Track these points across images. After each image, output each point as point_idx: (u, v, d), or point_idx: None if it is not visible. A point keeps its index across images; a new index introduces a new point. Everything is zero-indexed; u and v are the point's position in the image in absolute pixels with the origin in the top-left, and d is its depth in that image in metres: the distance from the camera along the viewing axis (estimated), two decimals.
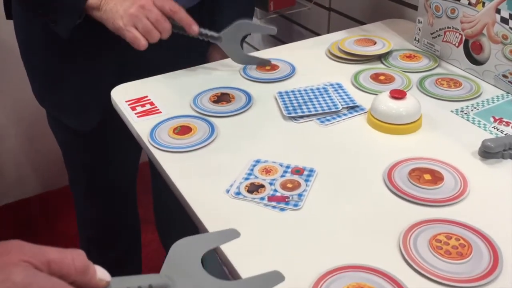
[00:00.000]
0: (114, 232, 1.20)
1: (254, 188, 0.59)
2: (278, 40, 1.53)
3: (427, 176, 0.60)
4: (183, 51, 0.95)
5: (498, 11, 0.75)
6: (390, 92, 0.70)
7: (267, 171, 0.62)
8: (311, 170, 0.62)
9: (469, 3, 0.79)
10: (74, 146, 1.05)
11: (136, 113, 0.75)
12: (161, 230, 1.35)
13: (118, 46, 0.82)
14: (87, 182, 1.10)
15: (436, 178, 0.60)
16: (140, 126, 0.72)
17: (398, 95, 0.69)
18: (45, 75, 0.94)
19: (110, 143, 1.01)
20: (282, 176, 0.61)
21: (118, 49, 0.83)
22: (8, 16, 0.97)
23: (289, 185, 0.59)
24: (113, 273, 0.39)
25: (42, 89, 0.97)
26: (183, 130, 0.70)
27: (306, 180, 0.60)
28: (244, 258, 0.51)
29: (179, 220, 1.12)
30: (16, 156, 1.81)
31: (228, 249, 0.52)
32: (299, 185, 0.59)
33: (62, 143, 1.08)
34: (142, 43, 0.76)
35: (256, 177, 0.61)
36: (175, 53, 0.94)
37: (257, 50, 1.60)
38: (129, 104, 0.77)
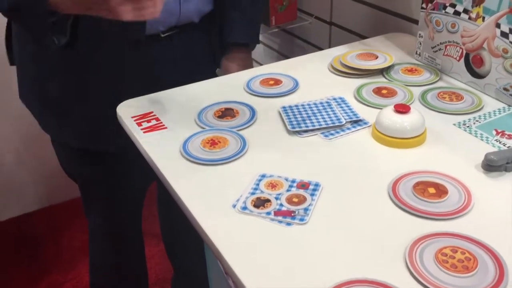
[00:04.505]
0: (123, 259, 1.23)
1: (260, 203, 0.60)
2: (280, 54, 1.55)
3: (432, 190, 0.61)
4: (191, 67, 0.97)
5: (498, 25, 0.76)
6: (394, 107, 0.71)
7: (272, 185, 0.62)
8: (317, 185, 0.62)
9: (469, 18, 0.80)
10: (93, 177, 1.06)
11: (142, 129, 0.76)
12: (168, 244, 1.36)
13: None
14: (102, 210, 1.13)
15: (441, 191, 0.60)
16: (146, 142, 0.73)
17: (402, 109, 0.70)
18: (62, 107, 0.93)
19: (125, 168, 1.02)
20: (287, 190, 0.62)
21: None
22: (12, 62, 0.97)
23: (295, 200, 0.60)
24: None
25: (60, 121, 0.95)
26: None
27: (312, 195, 0.61)
28: (250, 272, 0.51)
29: (185, 233, 1.14)
30: (20, 169, 1.82)
31: (234, 263, 0.52)
32: (304, 199, 0.60)
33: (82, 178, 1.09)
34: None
35: (262, 191, 0.62)
36: (183, 69, 0.96)
37: (260, 64, 1.62)
38: (135, 120, 0.78)
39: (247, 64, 1.04)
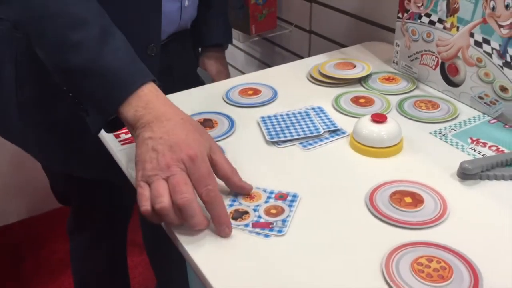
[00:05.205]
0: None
1: (238, 215, 0.60)
2: (261, 62, 1.55)
3: (408, 199, 0.61)
4: (171, 76, 0.98)
5: (472, 35, 0.77)
6: (371, 116, 0.71)
7: (251, 197, 0.62)
8: (294, 196, 0.62)
9: (444, 28, 0.82)
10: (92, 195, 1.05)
11: (120, 141, 0.75)
12: (150, 254, 1.35)
13: None
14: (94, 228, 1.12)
15: (417, 200, 0.61)
16: (124, 154, 0.72)
17: (379, 119, 0.71)
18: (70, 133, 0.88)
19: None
20: (266, 202, 0.62)
21: None
22: None
23: (273, 211, 0.60)
24: None
25: (67, 151, 0.91)
26: None
27: (290, 206, 0.61)
28: (227, 285, 0.51)
29: (167, 243, 1.14)
30: None
31: (212, 277, 0.52)
32: (282, 210, 0.60)
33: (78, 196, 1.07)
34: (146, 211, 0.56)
35: (240, 203, 0.62)
36: (178, 75, 0.98)
37: (241, 72, 1.62)
38: None
39: (224, 62, 1.11)
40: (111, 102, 0.61)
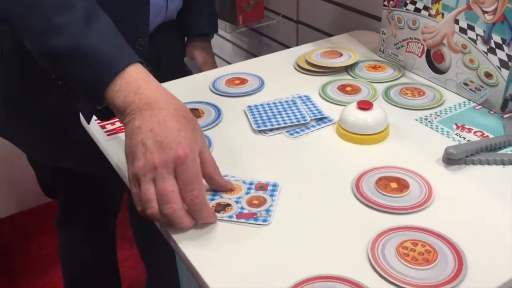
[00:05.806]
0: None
1: (221, 208, 0.59)
2: (249, 53, 1.55)
3: (394, 185, 0.61)
4: (158, 67, 0.97)
5: (456, 21, 0.78)
6: (357, 103, 0.71)
7: (231, 189, 0.62)
8: (275, 185, 0.62)
9: (429, 15, 0.82)
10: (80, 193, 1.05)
11: (106, 132, 0.75)
12: (141, 247, 1.35)
13: None
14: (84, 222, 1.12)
15: (402, 186, 0.61)
16: (110, 145, 0.72)
17: (365, 106, 0.71)
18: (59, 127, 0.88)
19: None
20: (246, 193, 0.61)
21: None
22: None
23: (255, 202, 0.60)
24: None
25: (58, 145, 0.90)
26: None
27: (271, 195, 0.61)
28: (215, 274, 0.51)
29: (157, 236, 1.14)
30: None
31: (203, 270, 0.52)
32: (265, 200, 0.60)
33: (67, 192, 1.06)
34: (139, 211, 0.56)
35: (221, 197, 0.61)
36: (166, 67, 0.98)
37: (229, 63, 1.62)
38: (98, 122, 0.76)
39: (210, 51, 1.11)
40: (98, 84, 0.58)
